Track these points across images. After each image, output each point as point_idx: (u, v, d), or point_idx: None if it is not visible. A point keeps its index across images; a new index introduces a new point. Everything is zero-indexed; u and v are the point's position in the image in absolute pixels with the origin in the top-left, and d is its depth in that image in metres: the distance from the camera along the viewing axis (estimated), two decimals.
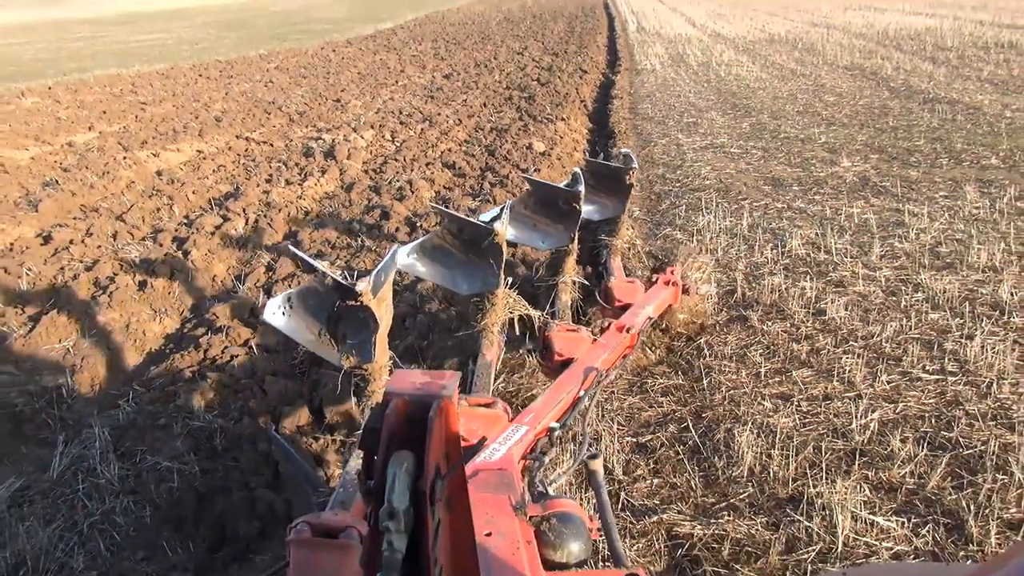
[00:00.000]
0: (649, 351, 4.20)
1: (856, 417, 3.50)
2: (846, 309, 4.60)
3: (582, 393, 2.93)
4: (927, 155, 8.15)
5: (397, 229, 6.13)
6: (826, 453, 3.27)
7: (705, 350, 4.21)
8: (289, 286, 4.89)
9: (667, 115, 10.94)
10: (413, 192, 7.06)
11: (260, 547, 2.84)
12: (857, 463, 3.20)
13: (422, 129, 10.22)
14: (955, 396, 3.67)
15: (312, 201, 7.09)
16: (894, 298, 4.76)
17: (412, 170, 8.03)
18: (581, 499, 3.01)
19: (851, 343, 4.22)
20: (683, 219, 6.45)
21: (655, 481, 3.22)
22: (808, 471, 3.16)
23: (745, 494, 3.07)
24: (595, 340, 3.45)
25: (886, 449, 3.28)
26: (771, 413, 3.60)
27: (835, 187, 7.17)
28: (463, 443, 2.30)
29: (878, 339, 4.24)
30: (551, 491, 2.23)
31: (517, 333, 3.89)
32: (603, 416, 3.67)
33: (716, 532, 2.88)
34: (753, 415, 3.58)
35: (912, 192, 6.90)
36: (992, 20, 20.74)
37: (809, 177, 7.54)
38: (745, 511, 2.98)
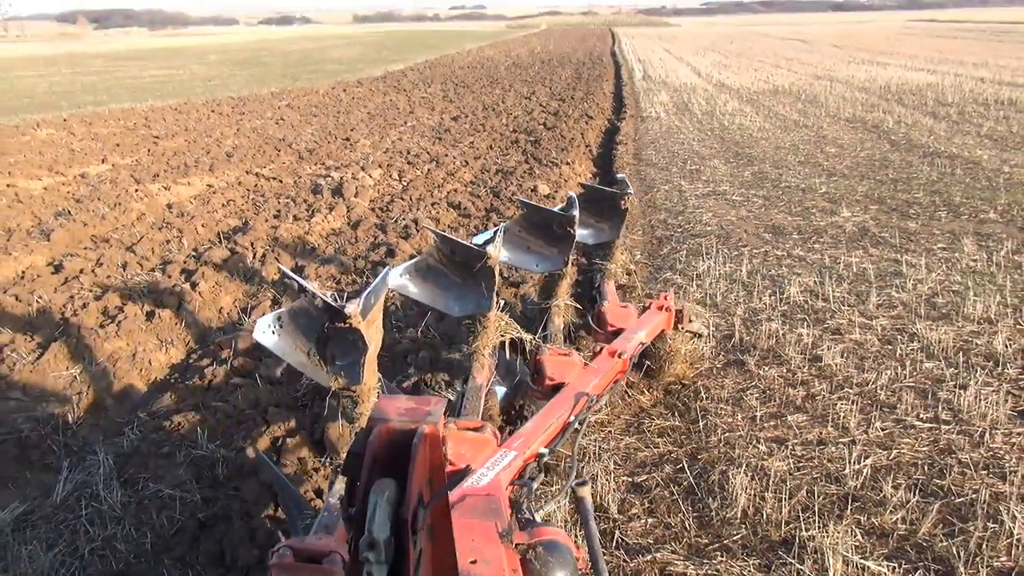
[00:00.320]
0: (647, 392, 4.26)
1: (849, 462, 3.55)
2: (842, 356, 4.67)
3: (572, 418, 2.91)
4: (926, 207, 8.27)
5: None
6: (819, 497, 3.31)
7: (702, 393, 4.27)
8: None
9: (670, 162, 11.12)
10: (419, 231, 7.18)
11: (259, 575, 2.87)
12: (850, 508, 3.24)
13: (429, 169, 10.39)
14: (948, 444, 3.72)
15: (319, 237, 7.21)
16: (890, 347, 4.83)
17: (418, 209, 8.17)
18: (569, 528, 3.06)
19: (846, 390, 4.28)
20: (684, 264, 6.55)
21: (649, 521, 3.26)
22: (801, 514, 3.20)
23: (738, 535, 3.11)
24: (587, 365, 3.45)
25: (879, 495, 3.32)
26: (766, 456, 3.65)
27: (834, 236, 7.28)
28: (450, 467, 2.28)
29: (873, 386, 4.30)
30: (538, 518, 2.19)
31: (508, 356, 3.89)
32: (599, 455, 3.72)
33: (709, 573, 2.91)
34: (748, 458, 3.63)
35: (910, 243, 7.00)
36: (992, 77, 21.11)
37: (809, 226, 7.65)
38: (738, 552, 3.02)
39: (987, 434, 3.77)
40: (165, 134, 14.14)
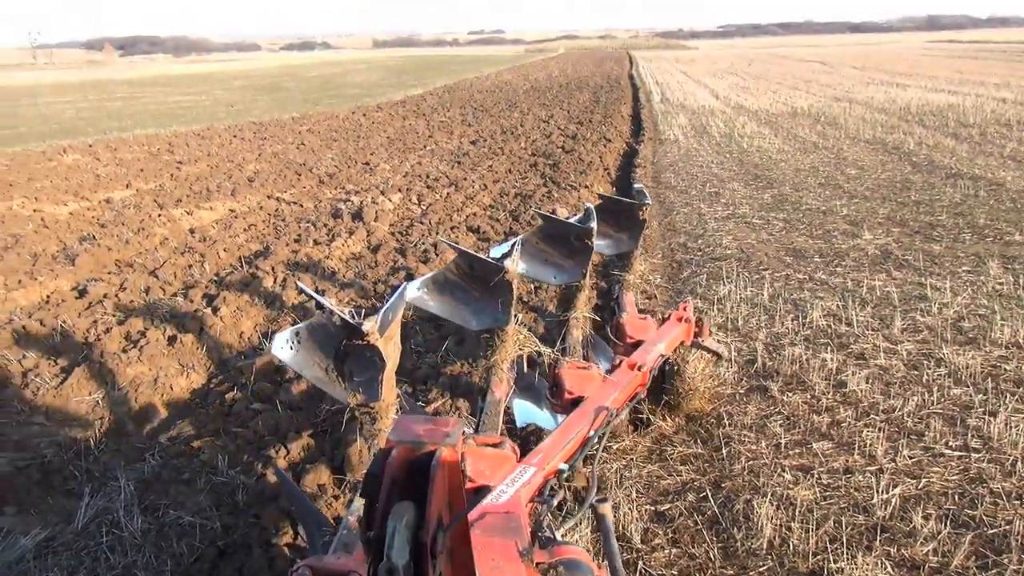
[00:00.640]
0: (668, 419, 4.21)
1: (878, 492, 3.48)
2: (867, 382, 4.60)
3: (592, 433, 2.87)
4: (950, 230, 8.18)
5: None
6: (847, 528, 3.25)
7: (725, 419, 4.21)
8: None
9: (689, 185, 11.10)
10: (438, 255, 7.19)
11: None
12: (879, 539, 3.18)
13: (448, 193, 10.44)
14: (979, 473, 3.64)
15: (339, 261, 7.24)
16: (916, 372, 4.75)
17: (437, 233, 8.19)
18: (588, 545, 3.02)
19: (872, 416, 4.21)
20: (704, 288, 6.50)
21: (673, 551, 3.20)
22: (829, 545, 3.14)
23: (764, 567, 3.06)
24: (606, 378, 3.43)
25: (908, 525, 3.25)
26: (791, 485, 3.59)
27: (857, 259, 7.21)
28: (469, 483, 2.27)
29: (900, 413, 4.22)
30: (559, 536, 2.18)
31: (526, 369, 3.90)
32: (621, 483, 3.67)
33: None
34: (773, 486, 3.57)
35: (934, 266, 6.92)
36: (1014, 98, 20.95)
37: (831, 249, 7.58)
38: None
39: (1019, 463, 3.69)
40: (188, 159, 14.32)
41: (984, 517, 3.30)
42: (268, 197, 10.65)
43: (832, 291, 6.33)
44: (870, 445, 3.89)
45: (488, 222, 8.66)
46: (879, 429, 4.05)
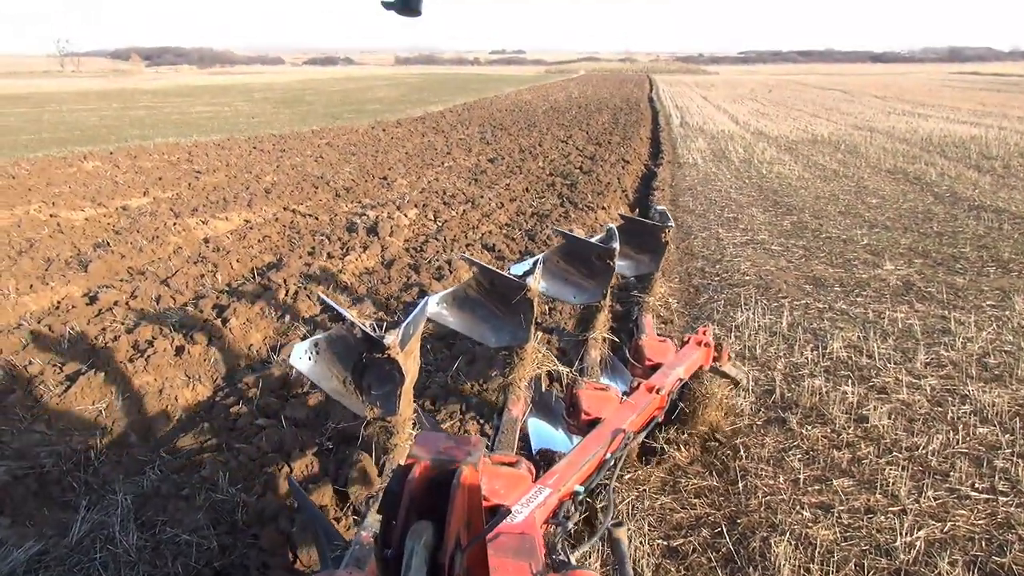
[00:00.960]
0: (683, 448, 4.08)
1: (901, 534, 3.34)
2: (889, 417, 4.45)
3: (608, 455, 2.82)
4: (973, 262, 8.02)
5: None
6: (869, 572, 3.11)
7: (741, 451, 4.08)
8: None
9: (708, 209, 10.99)
10: (452, 272, 7.11)
11: None
12: None
13: (464, 211, 10.38)
14: (1007, 518, 3.49)
15: (352, 276, 7.17)
16: (940, 409, 4.61)
17: (452, 250, 8.12)
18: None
19: (895, 454, 4.06)
20: (721, 314, 6.38)
21: None
22: None
23: None
24: (623, 400, 3.37)
25: (933, 571, 3.11)
26: (810, 524, 3.45)
27: (878, 290, 7.06)
28: (484, 502, 2.19)
29: (923, 451, 4.08)
30: (573, 560, 2.14)
31: (544, 388, 3.85)
32: (633, 515, 3.55)
33: None
34: (791, 524, 3.43)
35: (958, 300, 6.76)
36: None
37: (851, 278, 7.44)
38: None
39: None
40: (206, 169, 14.36)
41: (1013, 565, 3.15)
42: (284, 209, 10.62)
43: (853, 322, 6.19)
44: (893, 484, 3.75)
45: (504, 241, 8.58)
46: (902, 468, 3.91)
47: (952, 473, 3.87)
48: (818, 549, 3.24)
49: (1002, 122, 23.87)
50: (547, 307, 6.29)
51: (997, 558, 3.20)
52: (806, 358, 5.38)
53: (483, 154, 16.81)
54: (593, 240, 4.27)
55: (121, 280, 6.98)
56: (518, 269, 3.47)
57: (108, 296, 6.22)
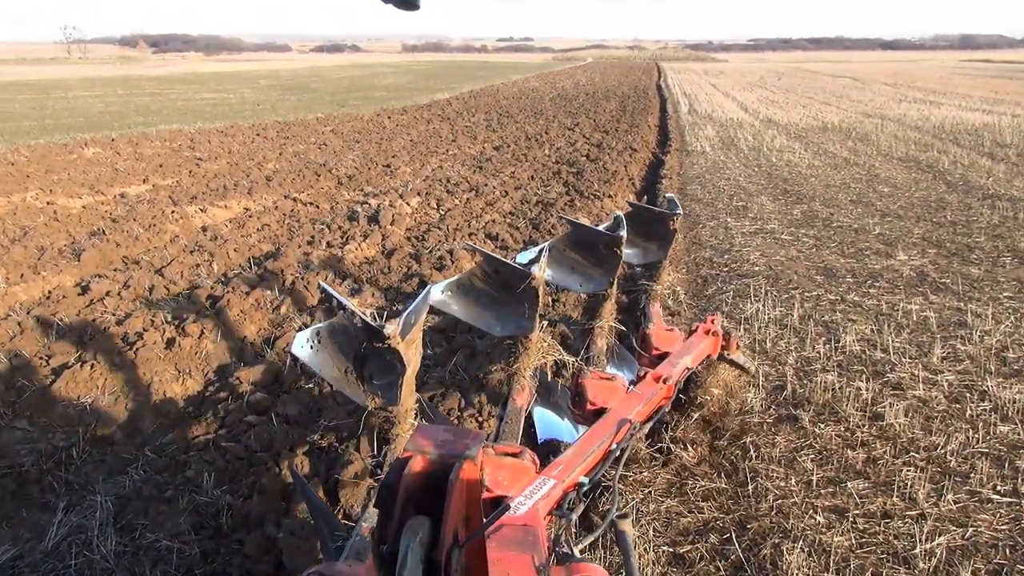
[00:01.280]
0: (690, 448, 3.91)
1: (920, 540, 3.17)
2: (906, 415, 4.27)
3: (614, 446, 2.77)
4: (988, 253, 7.81)
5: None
6: None
7: (751, 451, 3.91)
8: None
9: (716, 197, 10.78)
10: (453, 262, 6.94)
11: None
12: None
13: (468, 199, 10.19)
14: None
15: (351, 265, 7.00)
16: (958, 406, 4.42)
17: (455, 239, 7.94)
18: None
19: (912, 454, 3.89)
20: (730, 306, 6.20)
21: None
22: None
23: None
24: (630, 390, 3.33)
25: None
26: (824, 529, 3.28)
27: (891, 281, 6.86)
28: (487, 493, 2.23)
29: (942, 451, 3.90)
30: (577, 552, 2.10)
31: (550, 378, 3.79)
32: (638, 519, 3.38)
33: None
34: (804, 530, 3.26)
35: (974, 291, 6.56)
36: None
37: (864, 269, 7.24)
38: None
39: None
40: (208, 156, 14.20)
41: None
42: (285, 197, 10.45)
43: (866, 314, 6.00)
44: (911, 487, 3.57)
45: (508, 230, 8.39)
46: (920, 469, 3.73)
47: (972, 475, 3.69)
48: (832, 557, 3.07)
49: (1015, 110, 23.51)
50: (551, 297, 6.12)
51: (1022, 567, 3.03)
52: (818, 352, 5.20)
53: (488, 142, 16.60)
54: (600, 228, 4.18)
55: (115, 270, 6.82)
56: (524, 257, 3.41)
57: (100, 286, 6.06)
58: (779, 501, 3.49)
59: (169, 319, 5.32)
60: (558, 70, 65.27)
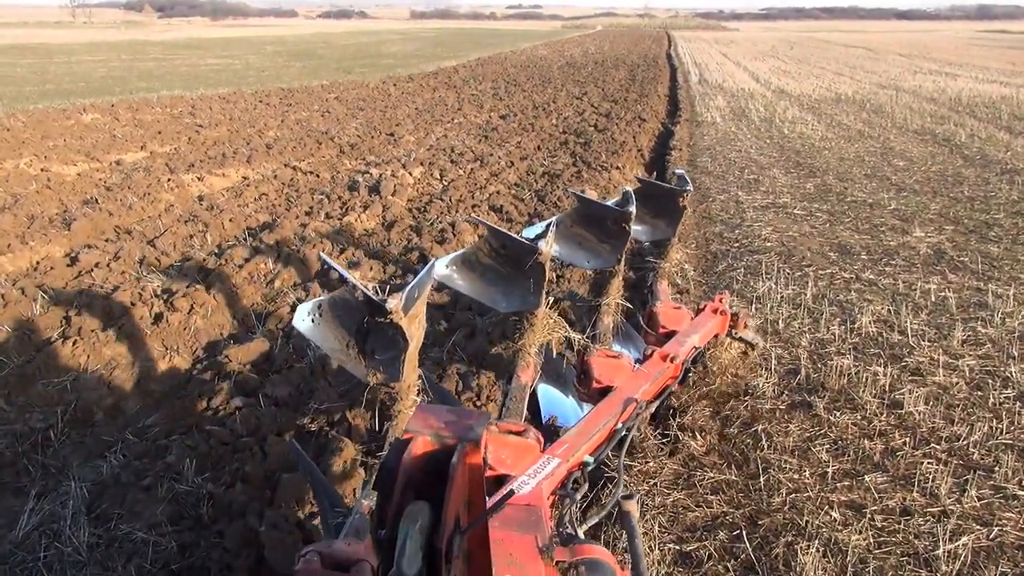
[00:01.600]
0: (699, 436, 3.72)
1: (942, 540, 2.98)
2: (925, 403, 4.07)
3: (620, 425, 2.73)
4: (1008, 230, 7.55)
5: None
6: None
7: (763, 440, 3.71)
8: None
9: (727, 170, 10.49)
10: (455, 235, 6.72)
11: None
12: None
13: (472, 169, 9.93)
14: None
15: (349, 237, 6.78)
16: (980, 393, 4.21)
17: (457, 211, 7.71)
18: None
19: (932, 445, 3.69)
20: (741, 283, 5.97)
21: None
22: None
23: None
24: (636, 368, 3.27)
25: None
26: (840, 527, 3.09)
27: (908, 259, 6.63)
28: (490, 471, 2.21)
29: (964, 443, 3.70)
30: (581, 533, 2.03)
31: (555, 355, 3.76)
32: (644, 513, 3.20)
33: None
34: (819, 527, 3.08)
35: (994, 270, 6.32)
36: None
37: (879, 246, 7.00)
38: None
39: None
40: (209, 123, 13.93)
41: None
42: (285, 166, 10.21)
43: (882, 293, 5.77)
44: (932, 481, 3.38)
45: (512, 202, 8.15)
46: (942, 462, 3.53)
47: (997, 468, 3.50)
48: (849, 557, 2.89)
49: None
50: (555, 274, 5.91)
51: None
52: (833, 334, 4.99)
53: (495, 111, 16.27)
54: (608, 203, 4.08)
55: (106, 240, 6.61)
56: (531, 232, 3.33)
57: (89, 257, 5.87)
58: (792, 495, 3.30)
59: (158, 293, 5.13)
60: (567, 38, 64.35)
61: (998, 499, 3.29)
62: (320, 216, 7.44)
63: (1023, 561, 2.91)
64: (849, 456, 3.60)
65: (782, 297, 5.62)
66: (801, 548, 2.92)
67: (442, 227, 7.02)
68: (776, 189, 9.33)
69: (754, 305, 5.48)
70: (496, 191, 8.71)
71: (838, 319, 5.23)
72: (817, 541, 2.97)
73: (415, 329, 2.41)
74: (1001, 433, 3.79)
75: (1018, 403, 4.09)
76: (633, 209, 3.86)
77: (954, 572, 2.84)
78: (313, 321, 2.51)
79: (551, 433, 2.79)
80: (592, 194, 8.35)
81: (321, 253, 5.73)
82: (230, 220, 7.20)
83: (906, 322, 5.13)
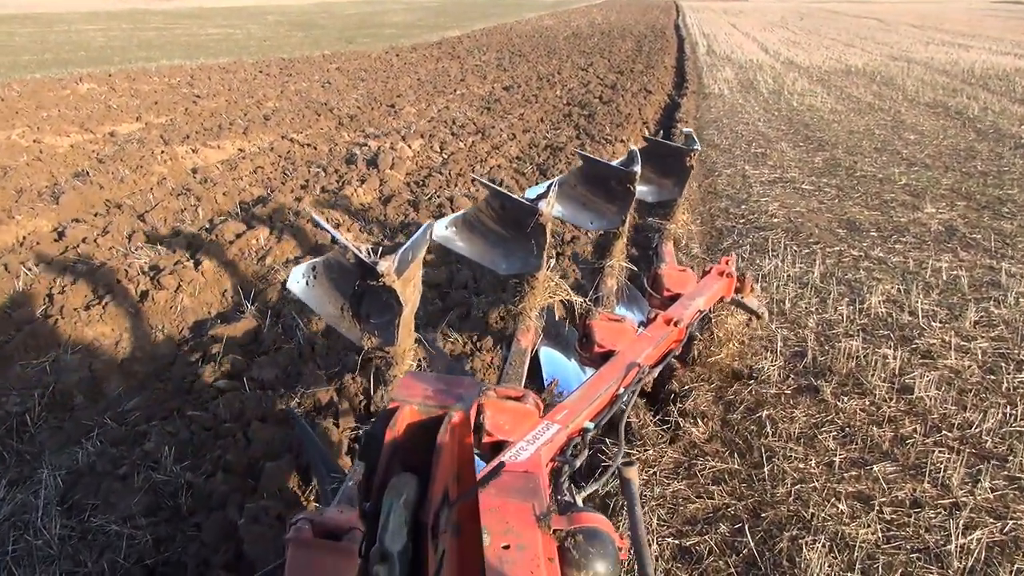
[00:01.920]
0: (701, 423, 3.58)
1: (954, 535, 2.84)
2: (937, 388, 3.91)
3: (621, 390, 2.64)
4: (1021, 206, 7.35)
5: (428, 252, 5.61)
6: None
7: (767, 426, 3.57)
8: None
9: (734, 144, 10.27)
10: (454, 210, 6.54)
11: None
12: None
13: (473, 142, 9.72)
14: None
15: (343, 212, 6.61)
16: (993, 378, 4.06)
17: (456, 185, 7.52)
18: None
19: (944, 433, 3.54)
20: (747, 261, 5.80)
21: None
22: None
23: None
24: (639, 332, 3.19)
25: None
26: (847, 520, 2.95)
27: (918, 236, 6.44)
28: (487, 438, 2.19)
29: (977, 430, 3.56)
30: (579, 501, 2.02)
31: (557, 318, 3.69)
32: (643, 504, 3.06)
33: None
34: (824, 521, 2.94)
35: (1007, 248, 6.14)
36: None
37: (889, 222, 6.81)
38: None
39: None
40: (207, 94, 13.70)
41: None
42: (282, 138, 10.01)
43: (892, 272, 5.60)
44: (943, 471, 3.23)
45: (513, 175, 7.96)
46: (953, 450, 3.39)
47: (1011, 458, 3.35)
48: (857, 553, 2.75)
49: None
50: (557, 239, 5.74)
51: None
52: (841, 314, 4.82)
53: (498, 82, 15.99)
54: (613, 163, 3.99)
55: (95, 214, 6.44)
56: (532, 193, 3.26)
57: (76, 232, 5.71)
58: (797, 486, 3.16)
59: (145, 269, 4.98)
60: (573, 8, 63.40)
61: (1012, 490, 3.14)
62: (316, 190, 7.26)
63: None
64: (857, 444, 3.46)
65: (789, 276, 5.45)
66: (806, 543, 2.79)
67: (440, 201, 6.85)
68: (784, 163, 9.12)
69: (760, 284, 5.31)
70: (497, 164, 8.51)
71: (846, 299, 5.07)
72: (823, 535, 2.84)
73: (410, 292, 2.36)
74: (1016, 420, 3.64)
75: None
76: (638, 168, 3.79)
77: (967, 569, 2.71)
78: (308, 283, 2.47)
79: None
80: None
81: (313, 214, 5.60)
82: (224, 194, 7.03)
83: (916, 302, 4.96)
